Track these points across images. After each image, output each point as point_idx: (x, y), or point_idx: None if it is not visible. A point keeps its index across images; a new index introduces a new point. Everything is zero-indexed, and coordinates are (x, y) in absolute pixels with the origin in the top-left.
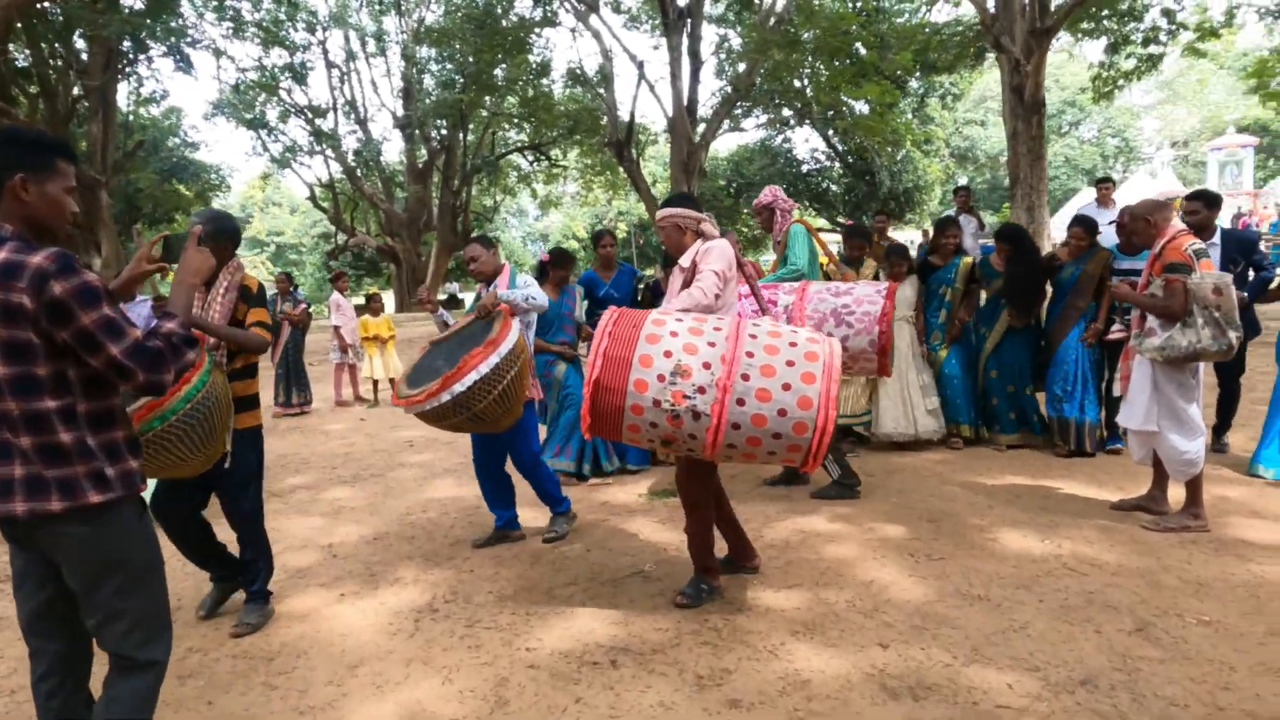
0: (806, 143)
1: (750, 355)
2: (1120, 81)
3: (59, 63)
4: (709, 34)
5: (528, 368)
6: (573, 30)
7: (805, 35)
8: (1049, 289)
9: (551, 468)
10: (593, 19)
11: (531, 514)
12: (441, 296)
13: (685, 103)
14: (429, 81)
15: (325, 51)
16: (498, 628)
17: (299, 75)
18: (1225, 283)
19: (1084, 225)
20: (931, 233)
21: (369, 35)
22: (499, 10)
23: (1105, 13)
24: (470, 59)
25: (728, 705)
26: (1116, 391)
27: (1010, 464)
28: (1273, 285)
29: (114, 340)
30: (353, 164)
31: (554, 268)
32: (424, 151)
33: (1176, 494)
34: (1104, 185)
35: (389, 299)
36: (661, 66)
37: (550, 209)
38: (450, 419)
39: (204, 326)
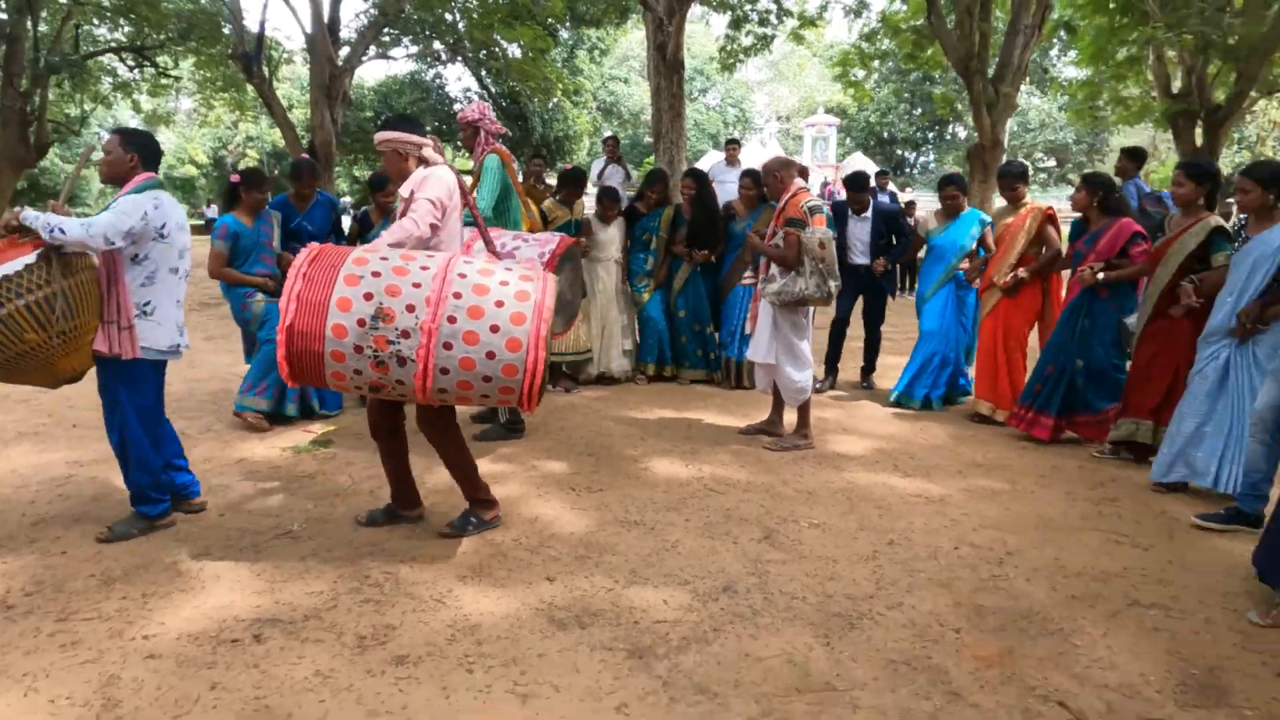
0: (459, 81)
1: (458, 296)
2: (741, 56)
3: None
4: None
5: (72, 310)
6: None
7: None
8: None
9: (244, 402)
10: None
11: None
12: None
13: (326, 20)
14: None
15: None
16: (102, 617)
17: None
18: (828, 238)
19: (752, 177)
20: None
21: None
22: None
23: None
24: None
25: (393, 662)
26: (748, 330)
27: (658, 398)
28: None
29: None
30: None
31: (247, 190)
32: None
33: (791, 418)
34: (732, 146)
35: None
36: None
37: (160, 126)
38: None
39: None
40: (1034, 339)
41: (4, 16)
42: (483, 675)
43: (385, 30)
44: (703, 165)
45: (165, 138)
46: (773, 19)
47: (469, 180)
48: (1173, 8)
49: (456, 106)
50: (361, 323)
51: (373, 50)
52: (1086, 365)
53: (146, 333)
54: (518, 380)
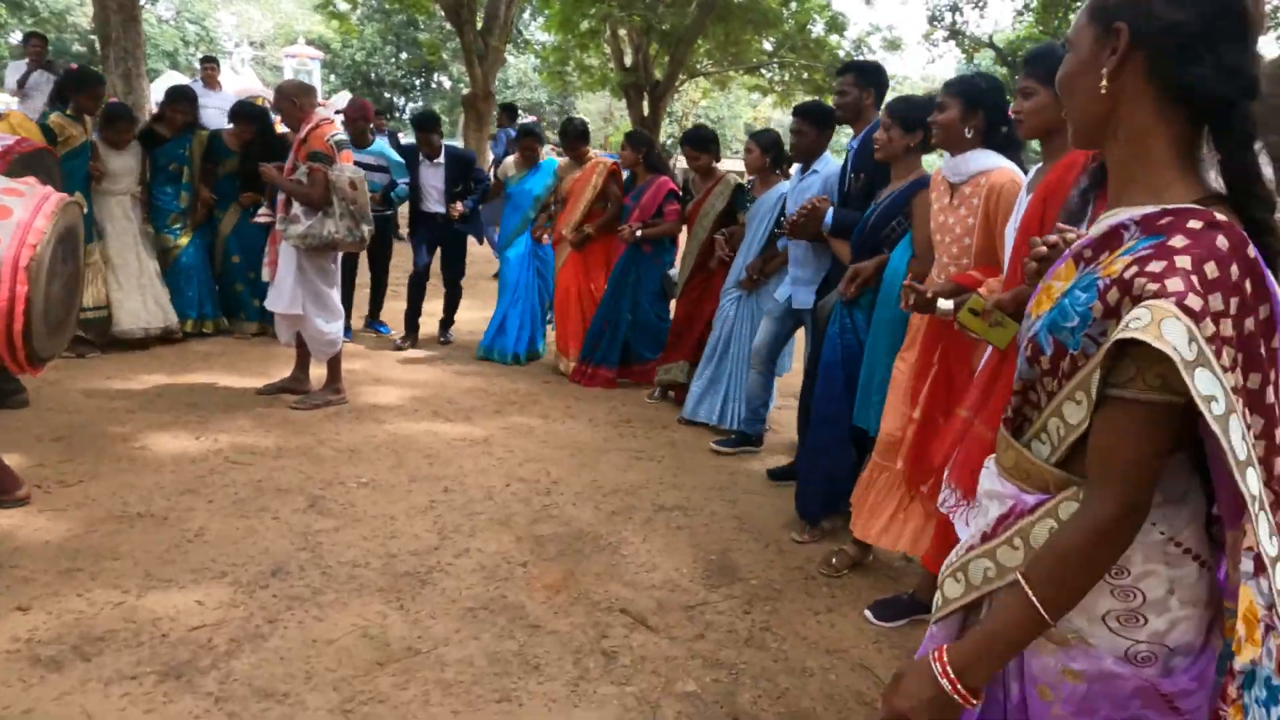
0: None
1: None
2: None
3: None
4: None
5: None
6: None
7: None
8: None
9: None
10: None
11: None
12: None
13: None
14: None
15: None
16: None
17: None
18: (360, 178)
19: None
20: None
21: None
22: None
23: None
24: None
25: None
26: (265, 277)
27: (146, 363)
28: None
29: None
30: None
31: None
32: None
33: (317, 372)
34: (209, 65)
35: None
36: None
37: None
38: None
39: None
40: None
41: None
42: None
43: None
44: (160, 86)
45: None
46: None
47: None
48: None
49: None
50: None
51: None
52: (634, 318)
53: None
54: None
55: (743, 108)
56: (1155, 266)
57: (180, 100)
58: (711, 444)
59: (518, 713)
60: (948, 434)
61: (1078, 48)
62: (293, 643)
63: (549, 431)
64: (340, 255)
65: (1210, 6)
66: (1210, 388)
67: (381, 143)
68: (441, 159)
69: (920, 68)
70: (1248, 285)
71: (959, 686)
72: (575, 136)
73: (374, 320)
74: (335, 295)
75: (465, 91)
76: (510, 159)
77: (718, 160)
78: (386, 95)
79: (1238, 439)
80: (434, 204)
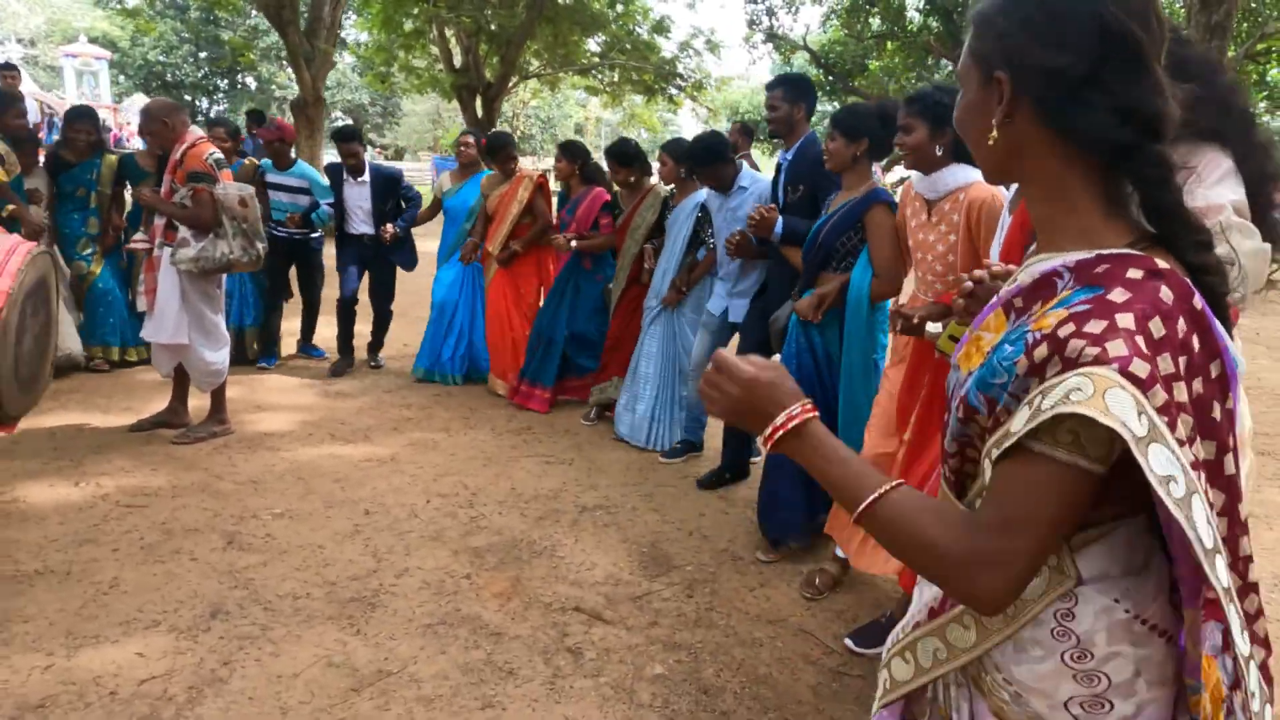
0: None
1: None
2: None
3: None
4: None
5: None
6: None
7: None
8: None
9: None
10: None
11: None
12: None
13: None
14: None
15: None
16: None
17: None
18: (249, 194)
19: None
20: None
21: None
22: None
23: None
24: None
25: None
26: (141, 306)
27: None
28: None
29: None
30: None
31: None
32: None
33: (197, 403)
34: (8, 72)
35: None
36: None
37: None
38: None
39: None
40: None
41: None
42: None
43: None
44: None
45: None
46: None
47: None
48: None
49: None
50: None
51: None
52: (573, 334)
53: None
54: None
55: (572, 107)
56: (1094, 326)
57: (81, 119)
58: (660, 457)
59: (503, 717)
60: (936, 455)
61: (966, 89)
62: (256, 681)
63: (454, 444)
64: (224, 279)
65: (1093, 44)
66: (1167, 467)
67: (303, 164)
68: (366, 177)
69: (743, 68)
70: (1195, 341)
71: (774, 437)
72: (499, 148)
73: (306, 344)
74: (220, 322)
75: (292, 97)
76: (447, 173)
77: (647, 174)
78: (187, 98)
79: (1203, 524)
80: (360, 224)
